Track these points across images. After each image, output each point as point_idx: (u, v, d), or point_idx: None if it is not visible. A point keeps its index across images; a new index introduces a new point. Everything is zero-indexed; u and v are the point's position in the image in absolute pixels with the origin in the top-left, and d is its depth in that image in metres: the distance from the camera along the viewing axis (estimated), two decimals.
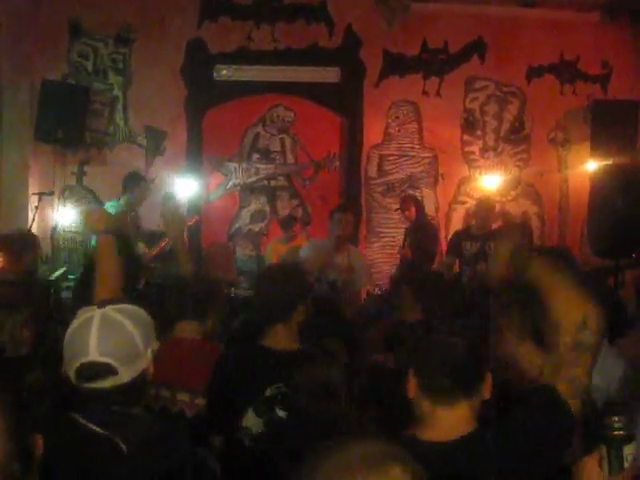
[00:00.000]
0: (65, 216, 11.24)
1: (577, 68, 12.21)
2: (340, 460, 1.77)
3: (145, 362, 2.81)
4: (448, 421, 2.82)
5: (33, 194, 10.39)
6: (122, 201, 9.22)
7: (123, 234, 5.69)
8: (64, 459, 2.65)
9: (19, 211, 10.49)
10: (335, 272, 7.66)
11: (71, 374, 2.76)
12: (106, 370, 2.70)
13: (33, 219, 9.66)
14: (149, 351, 2.82)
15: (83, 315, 2.81)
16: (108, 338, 2.72)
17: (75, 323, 2.81)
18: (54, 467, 2.53)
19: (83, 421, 2.73)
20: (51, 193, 10.51)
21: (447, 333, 3.07)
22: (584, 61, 12.19)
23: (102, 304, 2.83)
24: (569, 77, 12.21)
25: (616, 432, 2.40)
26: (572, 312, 2.74)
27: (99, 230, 3.81)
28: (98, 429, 2.69)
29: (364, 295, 11.05)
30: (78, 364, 2.72)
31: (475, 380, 2.87)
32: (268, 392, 4.00)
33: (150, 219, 10.03)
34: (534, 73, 12.16)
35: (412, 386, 2.90)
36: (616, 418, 2.41)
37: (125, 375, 2.73)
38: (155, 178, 11.07)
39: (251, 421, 4.02)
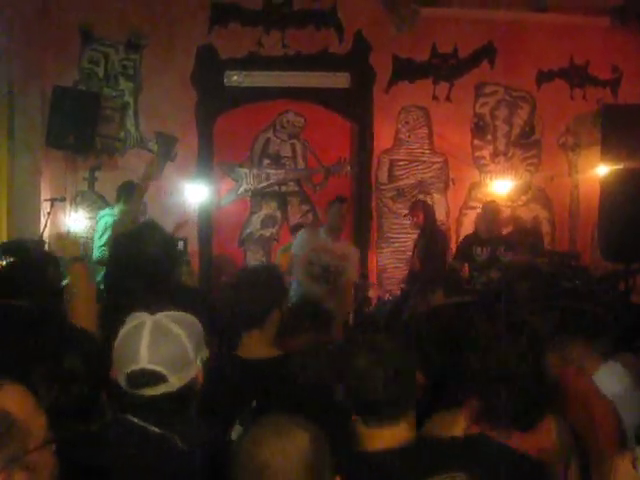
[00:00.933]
0: (77, 222, 11.27)
1: (587, 72, 12.22)
2: (255, 433, 2.25)
3: (195, 370, 2.82)
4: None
5: (45, 200, 10.42)
6: (116, 210, 9.23)
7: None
8: (124, 458, 2.70)
9: (31, 217, 10.52)
10: (328, 256, 7.73)
11: (121, 379, 2.79)
12: (156, 378, 2.72)
13: (45, 225, 9.69)
14: (199, 359, 2.83)
15: (134, 321, 2.83)
16: (159, 345, 2.74)
17: (125, 329, 2.83)
18: (116, 465, 2.62)
19: (140, 422, 2.76)
20: (63, 199, 10.53)
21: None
22: (594, 65, 12.20)
23: (154, 310, 2.85)
24: (579, 81, 12.22)
25: None
26: None
27: (69, 257, 3.86)
28: (155, 429, 2.73)
29: (374, 301, 11.12)
30: (129, 370, 2.75)
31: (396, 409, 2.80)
32: (254, 403, 3.92)
33: (163, 224, 10.05)
34: (544, 78, 12.16)
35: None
36: None
37: (176, 383, 2.75)
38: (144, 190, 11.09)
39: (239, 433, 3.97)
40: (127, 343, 2.79)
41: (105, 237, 8.83)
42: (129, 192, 9.24)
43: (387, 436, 2.71)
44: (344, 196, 9.30)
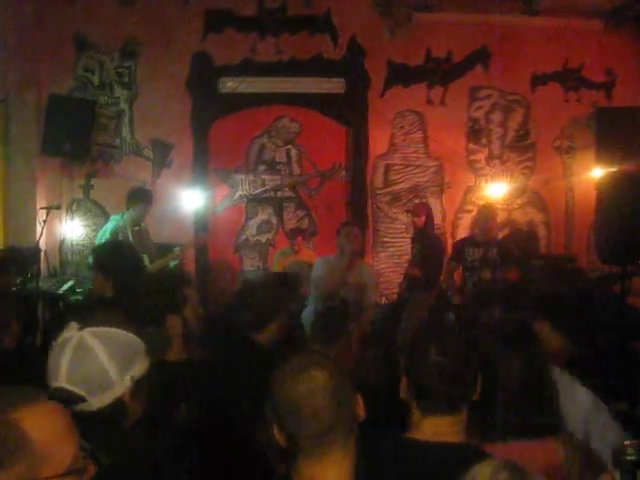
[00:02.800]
0: (73, 229, 11.29)
1: (581, 75, 12.23)
2: (279, 373, 2.53)
3: (120, 390, 2.72)
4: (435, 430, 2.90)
5: (41, 208, 10.40)
6: (126, 216, 9.25)
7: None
8: None
9: (27, 225, 10.53)
10: (347, 289, 7.66)
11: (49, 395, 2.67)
12: (74, 398, 2.64)
13: (41, 233, 9.69)
14: (127, 378, 2.73)
15: (64, 334, 2.76)
16: (78, 366, 2.67)
17: (58, 340, 2.76)
18: None
19: None
20: (59, 207, 10.52)
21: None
22: (588, 68, 12.21)
23: (84, 324, 2.77)
24: (573, 85, 12.23)
25: (629, 457, 2.43)
26: None
27: None
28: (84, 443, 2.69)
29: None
30: (52, 387, 2.70)
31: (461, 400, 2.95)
32: None
33: (159, 232, 10.08)
34: (538, 81, 12.18)
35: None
36: (629, 443, 2.45)
37: (95, 404, 2.67)
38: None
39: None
40: (52, 359, 2.73)
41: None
42: (136, 198, 9.28)
43: (439, 425, 2.89)
44: (352, 219, 9.21)
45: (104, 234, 9.11)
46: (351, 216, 11.69)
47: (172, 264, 9.33)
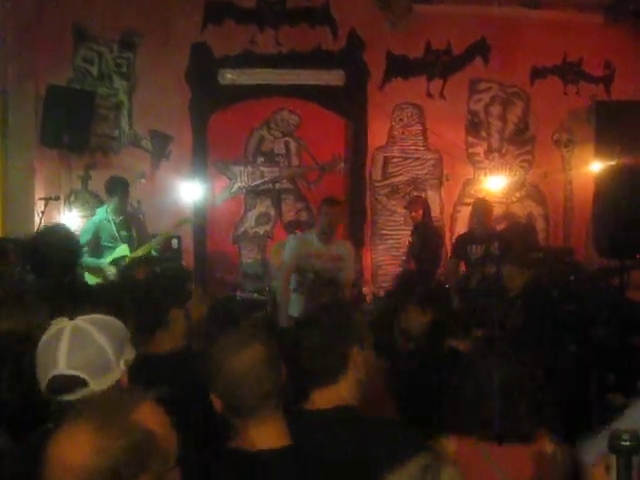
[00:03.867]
0: (71, 221, 11.26)
1: (580, 69, 12.24)
2: (221, 346, 2.81)
3: (118, 373, 2.75)
4: None
5: (39, 199, 10.40)
6: (108, 208, 9.23)
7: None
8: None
9: (25, 216, 10.51)
10: (321, 261, 7.66)
11: (42, 387, 2.72)
12: (75, 382, 2.65)
13: (40, 224, 9.67)
14: (122, 362, 2.77)
15: (54, 327, 2.76)
16: (77, 350, 2.68)
17: (45, 336, 2.76)
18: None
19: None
20: (57, 198, 10.51)
21: None
22: (587, 62, 12.22)
23: (74, 315, 2.79)
24: (573, 78, 12.24)
25: (624, 442, 2.44)
26: None
27: None
28: None
29: (370, 297, 11.13)
30: (49, 376, 2.68)
31: None
32: None
33: (158, 224, 10.08)
34: (538, 74, 12.18)
35: None
36: (625, 429, 2.45)
37: (96, 387, 2.67)
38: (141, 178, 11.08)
39: None
40: (47, 349, 2.72)
41: (83, 240, 8.81)
42: (113, 187, 9.26)
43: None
44: (334, 198, 9.20)
45: (87, 232, 9.13)
46: (350, 209, 11.70)
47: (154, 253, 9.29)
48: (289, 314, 7.75)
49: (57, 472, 1.83)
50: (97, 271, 8.82)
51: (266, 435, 2.76)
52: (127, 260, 8.84)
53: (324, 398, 3.10)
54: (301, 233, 9.01)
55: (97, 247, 8.92)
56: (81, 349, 2.68)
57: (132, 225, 9.33)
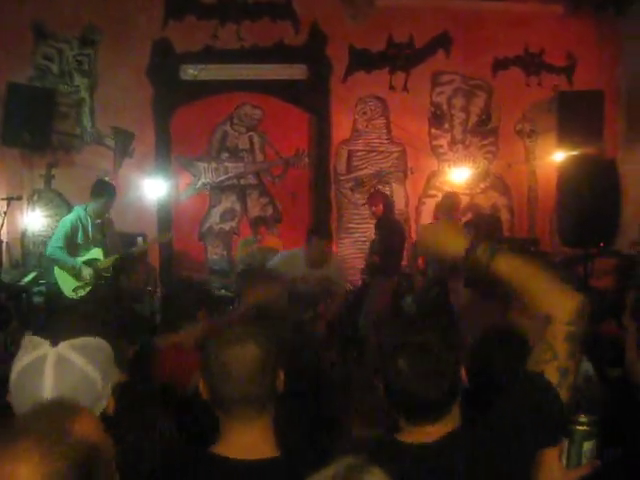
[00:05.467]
0: (35, 220, 11.17)
1: (542, 60, 12.29)
2: (219, 338, 2.78)
3: (105, 401, 2.57)
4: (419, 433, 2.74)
5: (1, 199, 10.30)
6: (89, 208, 9.14)
7: None
8: None
9: None
10: (307, 286, 7.58)
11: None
12: None
13: (2, 224, 9.58)
14: (109, 386, 2.59)
15: (34, 352, 2.53)
16: (63, 382, 2.47)
17: (25, 361, 2.53)
18: None
19: None
20: (19, 198, 10.41)
21: None
22: (549, 53, 12.27)
23: (56, 340, 2.54)
24: (534, 69, 12.29)
25: (579, 427, 2.45)
26: (566, 303, 2.60)
27: None
28: None
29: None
30: None
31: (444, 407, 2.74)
32: None
33: (122, 222, 10.01)
34: (500, 65, 12.23)
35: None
36: (582, 414, 2.46)
37: None
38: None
39: None
40: (29, 378, 2.51)
41: (59, 235, 8.75)
42: (99, 191, 9.17)
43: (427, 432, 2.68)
44: (324, 229, 9.09)
45: (64, 226, 9.02)
46: (315, 202, 11.70)
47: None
48: None
49: None
50: (70, 269, 8.75)
51: (249, 442, 2.69)
52: (100, 265, 8.81)
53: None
54: (287, 253, 8.70)
55: (72, 245, 8.83)
56: (66, 381, 2.47)
57: (105, 230, 9.25)
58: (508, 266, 2.69)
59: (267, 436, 2.74)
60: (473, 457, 2.60)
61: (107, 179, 10.13)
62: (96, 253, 8.89)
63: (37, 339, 2.57)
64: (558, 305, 2.62)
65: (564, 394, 2.58)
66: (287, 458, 2.70)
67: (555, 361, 2.60)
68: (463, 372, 2.76)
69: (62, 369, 2.49)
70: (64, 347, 2.52)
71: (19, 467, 1.75)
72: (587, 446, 2.45)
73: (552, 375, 2.59)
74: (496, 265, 2.70)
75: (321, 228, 8.73)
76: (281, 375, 2.80)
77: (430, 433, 2.65)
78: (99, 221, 9.12)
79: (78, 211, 9.15)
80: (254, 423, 2.71)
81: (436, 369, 2.64)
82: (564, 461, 2.47)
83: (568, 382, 2.59)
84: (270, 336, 2.85)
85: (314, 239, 7.90)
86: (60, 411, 1.93)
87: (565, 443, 2.46)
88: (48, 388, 2.45)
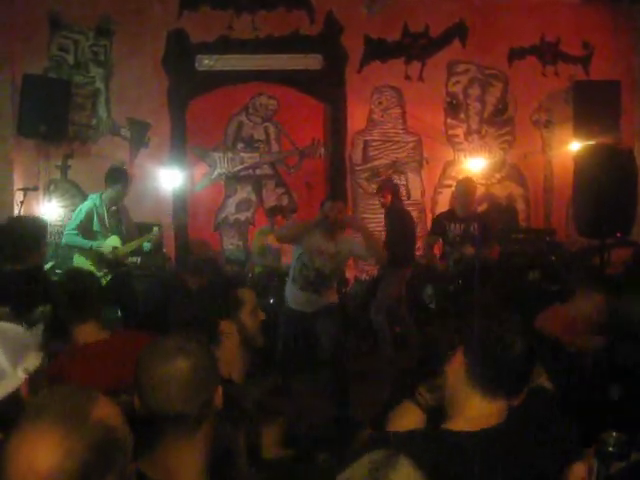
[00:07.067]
0: (51, 210, 11.21)
1: (558, 49, 12.23)
2: (149, 350, 2.58)
3: (14, 382, 2.59)
4: (484, 411, 2.77)
5: (18, 190, 10.36)
6: (104, 196, 9.15)
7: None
8: None
9: (4, 207, 10.43)
10: (322, 259, 7.54)
11: None
12: None
13: (19, 215, 9.60)
14: (20, 370, 2.61)
15: None
16: None
17: None
18: None
19: None
20: (36, 188, 10.46)
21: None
22: (565, 42, 12.21)
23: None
24: (551, 58, 12.23)
25: (609, 448, 2.43)
26: None
27: None
28: None
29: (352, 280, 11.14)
30: None
31: (522, 385, 2.82)
32: None
33: (138, 212, 10.03)
34: (516, 55, 12.17)
35: (457, 372, 2.86)
36: (614, 434, 2.44)
37: None
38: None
39: None
40: None
41: (76, 222, 8.75)
42: (114, 178, 9.17)
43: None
44: (334, 194, 9.00)
45: (79, 213, 9.02)
46: (330, 192, 11.68)
47: (147, 245, 9.26)
48: (287, 305, 7.71)
49: (20, 478, 1.76)
50: (89, 252, 8.76)
51: (175, 465, 2.53)
52: (119, 251, 8.80)
53: None
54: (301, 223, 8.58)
55: (88, 232, 8.83)
56: None
57: (122, 218, 9.26)
58: None
59: (196, 460, 2.57)
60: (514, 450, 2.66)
61: (123, 166, 10.14)
62: (114, 241, 8.89)
63: None
64: None
65: None
66: None
67: None
68: None
69: None
70: None
71: (39, 448, 1.77)
72: (616, 467, 2.43)
73: None
74: None
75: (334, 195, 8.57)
76: (219, 391, 2.65)
77: (492, 415, 2.74)
78: (114, 208, 9.13)
79: (94, 199, 9.17)
80: (182, 444, 2.54)
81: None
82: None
83: None
84: (205, 349, 2.70)
85: (327, 203, 7.75)
86: (79, 395, 1.94)
87: (594, 462, 2.44)
88: None
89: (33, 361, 2.69)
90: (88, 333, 4.24)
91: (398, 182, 11.53)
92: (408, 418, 3.10)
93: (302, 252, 7.60)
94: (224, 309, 3.91)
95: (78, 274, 4.88)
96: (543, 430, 2.73)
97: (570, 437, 2.70)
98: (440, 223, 9.80)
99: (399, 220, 10.09)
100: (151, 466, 2.51)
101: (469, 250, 9.12)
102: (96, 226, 8.87)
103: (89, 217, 8.86)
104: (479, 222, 9.53)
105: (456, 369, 2.84)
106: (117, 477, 1.84)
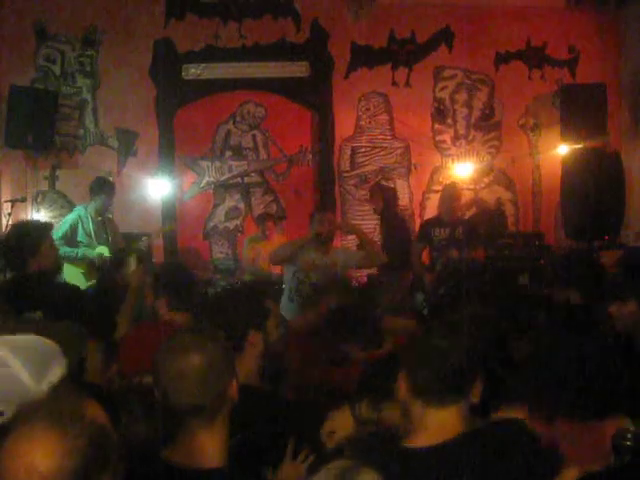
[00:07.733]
0: None
1: (544, 53, 12.27)
2: (166, 346, 2.73)
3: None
4: (438, 423, 2.82)
5: (5, 201, 10.34)
6: (89, 207, 9.16)
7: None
8: None
9: None
10: (318, 273, 7.53)
11: None
12: None
13: (7, 226, 9.59)
14: (45, 384, 2.49)
15: None
16: None
17: None
18: None
19: None
20: (23, 199, 10.44)
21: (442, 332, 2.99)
22: (551, 46, 12.26)
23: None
24: (537, 63, 12.27)
25: (626, 442, 2.46)
26: None
27: None
28: None
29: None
30: None
31: (464, 384, 2.86)
32: None
33: (126, 221, 10.03)
34: (502, 60, 12.21)
35: (402, 387, 2.90)
36: (631, 428, 2.47)
37: None
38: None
39: None
40: None
41: (59, 233, 8.74)
42: (98, 188, 9.19)
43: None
44: (323, 205, 9.00)
45: (64, 224, 9.05)
46: (319, 200, 11.70)
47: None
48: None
49: (19, 477, 1.77)
50: (76, 259, 8.74)
51: (196, 451, 2.68)
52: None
53: None
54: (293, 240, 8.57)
55: (73, 243, 8.85)
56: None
57: (107, 228, 9.26)
58: None
59: (216, 446, 2.70)
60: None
61: (110, 178, 10.13)
62: (102, 251, 8.90)
63: None
64: None
65: None
66: (230, 471, 2.69)
67: None
68: None
69: None
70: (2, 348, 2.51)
71: (38, 448, 1.79)
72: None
73: None
74: None
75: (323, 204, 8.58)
76: (234, 383, 2.75)
77: (447, 424, 2.81)
78: (100, 219, 9.14)
79: (78, 210, 9.20)
80: (202, 432, 2.68)
81: None
82: None
83: None
84: (221, 343, 2.83)
85: (316, 214, 7.83)
86: (72, 394, 1.98)
87: (612, 456, 2.47)
88: None
89: (57, 372, 2.62)
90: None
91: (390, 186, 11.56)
92: (339, 422, 3.34)
93: (296, 270, 7.60)
94: (256, 319, 3.86)
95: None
96: (508, 453, 2.77)
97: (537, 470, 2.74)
98: (425, 229, 9.82)
99: (392, 225, 10.11)
100: (175, 453, 2.67)
101: (454, 254, 9.13)
102: (81, 237, 8.88)
103: (73, 229, 8.89)
104: (464, 226, 9.55)
105: (401, 384, 2.91)
106: (112, 475, 1.87)
